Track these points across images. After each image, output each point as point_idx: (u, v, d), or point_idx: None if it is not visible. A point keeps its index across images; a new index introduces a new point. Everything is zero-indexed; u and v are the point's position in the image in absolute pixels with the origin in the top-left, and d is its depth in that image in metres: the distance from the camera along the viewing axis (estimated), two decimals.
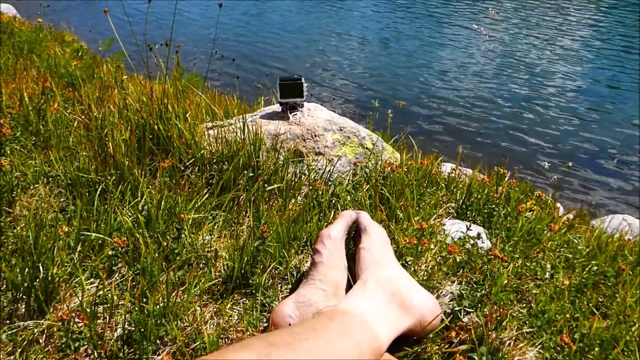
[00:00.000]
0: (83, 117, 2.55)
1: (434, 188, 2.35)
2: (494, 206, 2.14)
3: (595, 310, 1.62)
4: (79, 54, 4.86)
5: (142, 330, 1.34)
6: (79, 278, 1.50)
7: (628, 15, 11.01)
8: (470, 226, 1.95)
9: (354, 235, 1.72)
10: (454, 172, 2.61)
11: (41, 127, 2.46)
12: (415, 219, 1.96)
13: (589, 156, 5.99)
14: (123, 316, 1.40)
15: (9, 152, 2.17)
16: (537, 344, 1.46)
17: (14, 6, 10.57)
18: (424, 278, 1.63)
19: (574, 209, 5.33)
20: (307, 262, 1.75)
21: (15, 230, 1.70)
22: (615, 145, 6.15)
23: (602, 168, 5.83)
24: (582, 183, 5.60)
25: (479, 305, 1.52)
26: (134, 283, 1.55)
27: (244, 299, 1.58)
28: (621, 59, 8.49)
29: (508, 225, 2.05)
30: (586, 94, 7.36)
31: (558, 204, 4.82)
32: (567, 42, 9.32)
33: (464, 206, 2.19)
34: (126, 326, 1.37)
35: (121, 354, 1.32)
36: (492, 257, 1.66)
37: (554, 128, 6.47)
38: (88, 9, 11.65)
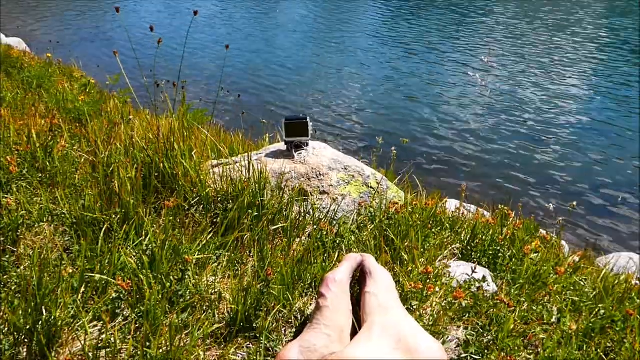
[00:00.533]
0: (89, 154, 2.57)
1: (439, 228, 2.34)
2: (499, 248, 2.13)
3: (604, 356, 1.60)
4: (87, 89, 4.94)
5: None
6: (82, 321, 1.49)
7: (626, 53, 11.18)
8: (475, 268, 1.94)
9: (359, 278, 1.71)
10: (458, 211, 2.61)
11: (48, 163, 2.48)
12: (421, 261, 1.95)
13: (592, 193, 5.99)
14: None
15: (15, 189, 2.19)
16: None
17: (24, 40, 10.81)
18: (430, 323, 1.62)
19: (579, 246, 5.30)
20: (311, 305, 1.74)
21: (19, 270, 1.70)
22: (619, 183, 6.16)
23: (605, 205, 5.81)
24: (586, 220, 5.57)
25: (486, 351, 1.50)
26: (137, 326, 1.53)
27: (248, 343, 1.56)
28: (620, 99, 8.58)
29: (514, 267, 2.04)
30: (587, 133, 7.41)
31: (563, 242, 4.79)
32: (565, 81, 9.44)
33: (469, 247, 2.19)
34: None
35: None
36: (498, 301, 1.65)
37: (557, 166, 6.49)
38: (97, 43, 11.90)
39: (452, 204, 5.28)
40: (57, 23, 14.10)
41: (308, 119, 2.54)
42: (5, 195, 2.09)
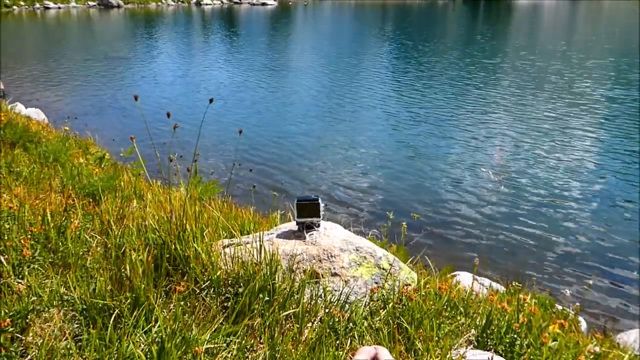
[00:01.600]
0: (101, 234, 2.60)
1: (453, 312, 2.30)
2: (515, 336, 2.07)
3: None
4: (101, 162, 5.06)
5: None
6: None
7: (633, 125, 11.31)
8: (492, 358, 1.89)
9: None
10: (472, 292, 2.57)
11: (60, 244, 2.51)
12: (436, 351, 1.90)
13: (607, 264, 5.88)
14: None
15: (27, 273, 2.19)
16: None
17: (42, 110, 11.21)
18: None
19: (596, 322, 5.14)
20: None
21: None
22: (633, 252, 6.05)
23: (620, 277, 5.69)
24: (602, 293, 5.44)
25: None
26: None
27: None
28: (631, 170, 8.59)
29: (532, 357, 1.98)
30: (598, 206, 7.39)
31: (580, 318, 4.65)
32: (574, 154, 9.52)
33: (484, 334, 2.13)
34: None
35: None
36: None
37: (569, 238, 6.42)
38: (112, 113, 12.29)
39: (464, 277, 5.19)
40: (75, 93, 14.64)
41: (320, 200, 2.57)
42: (18, 280, 2.10)
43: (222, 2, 79.24)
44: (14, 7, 55.37)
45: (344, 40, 32.00)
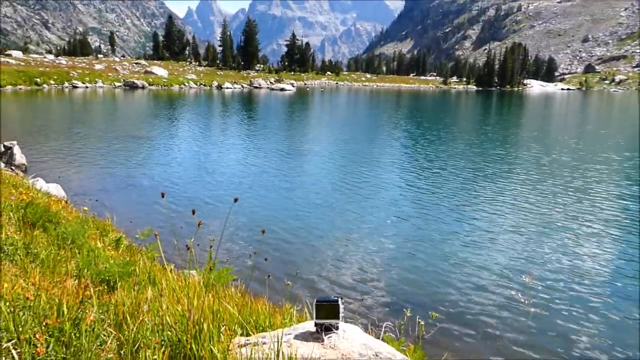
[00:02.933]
0: (116, 329, 2.56)
1: None
2: None
3: None
4: (117, 245, 5.09)
5: None
6: None
7: None
8: None
9: None
10: None
11: (74, 337, 2.47)
12: None
13: None
14: None
15: None
16: None
17: (62, 186, 11.47)
18: None
19: None
20: None
21: None
22: None
23: None
24: None
25: None
26: None
27: None
28: None
29: None
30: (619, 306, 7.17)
31: None
32: (587, 263, 9.39)
33: None
34: None
35: None
36: None
37: (594, 340, 6.17)
38: (132, 192, 12.51)
39: None
40: (95, 170, 15.01)
41: (340, 302, 2.53)
42: None
43: (242, 86, 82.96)
44: (44, 85, 58.42)
45: (359, 126, 32.92)
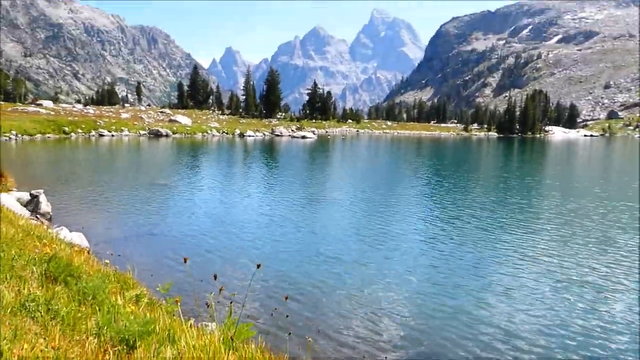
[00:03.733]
0: None
1: None
2: None
3: None
4: (138, 300, 5.06)
5: None
6: None
7: None
8: None
9: None
10: None
11: None
12: None
13: None
14: None
15: None
16: None
17: (85, 235, 11.59)
18: None
19: None
20: None
21: None
22: None
23: None
24: None
25: None
26: None
27: None
28: None
29: None
30: None
31: None
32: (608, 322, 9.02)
33: None
34: None
35: None
36: None
37: None
38: (153, 244, 12.57)
39: None
40: (118, 218, 15.19)
41: None
42: None
43: (264, 134, 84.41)
44: (72, 133, 60.34)
45: (379, 174, 32.95)
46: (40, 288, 4.66)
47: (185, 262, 2.55)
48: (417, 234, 14.16)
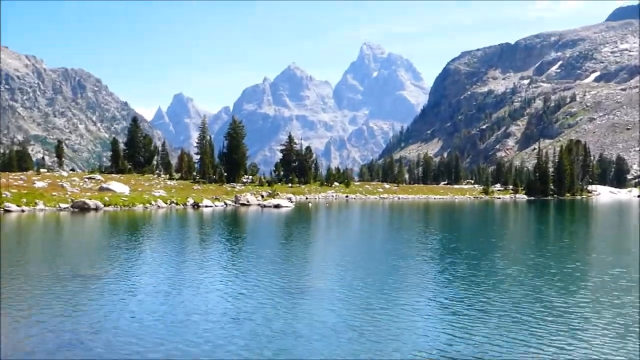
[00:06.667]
0: None
1: None
2: None
3: None
4: None
5: None
6: None
7: None
8: None
9: None
10: None
11: None
12: None
13: None
14: None
15: None
16: None
17: None
18: None
19: None
20: None
21: None
22: None
23: None
24: None
25: None
26: None
27: None
28: None
29: None
30: None
31: None
32: None
33: None
34: None
35: None
36: None
37: None
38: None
39: None
40: (31, 324, 14.55)
41: None
42: None
43: (225, 203, 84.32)
44: None
45: (374, 264, 32.61)
46: None
47: None
48: (428, 326, 13.81)
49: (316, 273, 24.05)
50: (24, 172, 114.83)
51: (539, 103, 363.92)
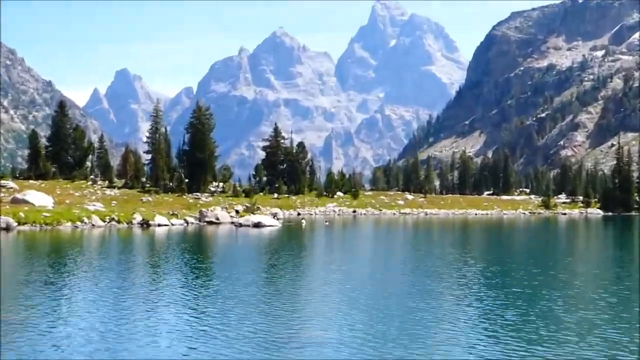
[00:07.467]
0: None
1: None
2: None
3: None
4: None
5: None
6: None
7: None
8: None
9: None
10: None
11: None
12: None
13: None
14: None
15: None
16: None
17: None
18: None
19: None
20: None
21: None
22: None
23: None
24: None
25: None
26: None
27: None
28: None
29: None
30: None
31: None
32: None
33: None
34: None
35: None
36: None
37: None
38: None
39: None
40: None
41: None
42: None
43: (185, 220, 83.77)
44: None
45: (398, 315, 32.14)
46: None
47: None
48: None
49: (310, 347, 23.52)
50: None
51: (617, 83, 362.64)
